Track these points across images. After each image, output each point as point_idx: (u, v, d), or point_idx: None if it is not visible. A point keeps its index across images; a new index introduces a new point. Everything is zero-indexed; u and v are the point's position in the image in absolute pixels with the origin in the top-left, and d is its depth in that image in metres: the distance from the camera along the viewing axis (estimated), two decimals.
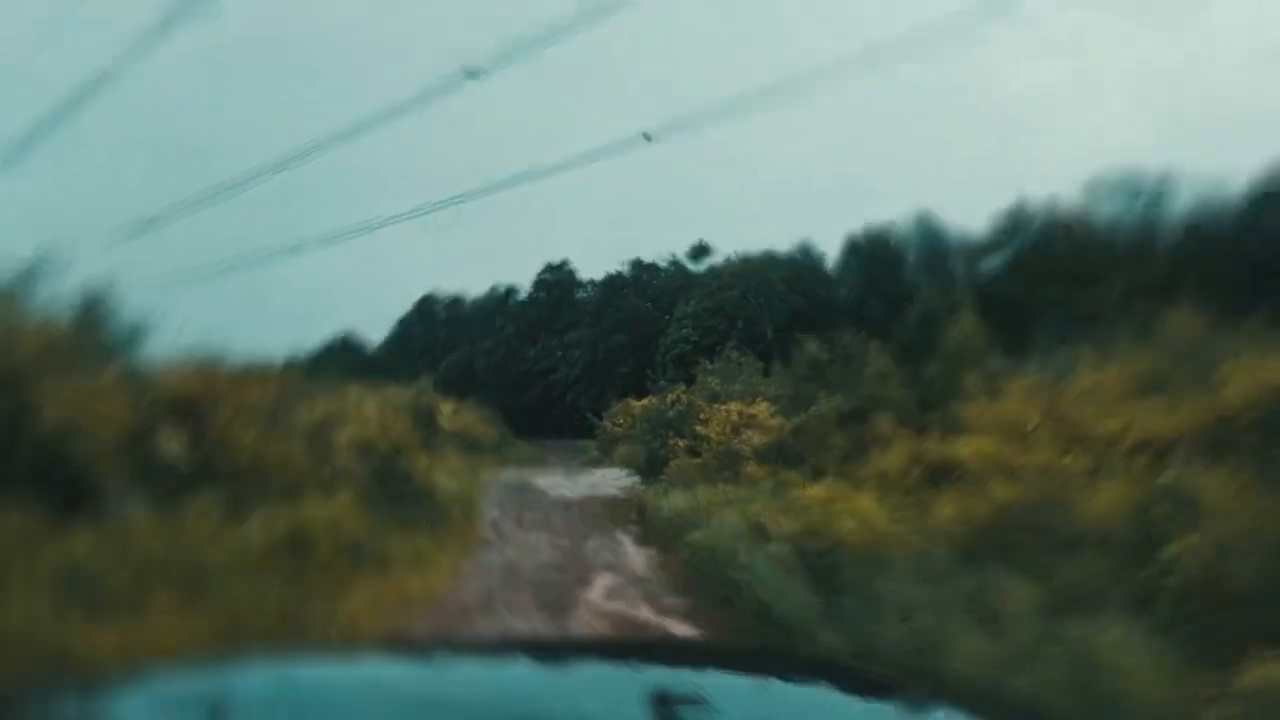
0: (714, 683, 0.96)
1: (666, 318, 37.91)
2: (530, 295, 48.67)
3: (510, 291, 52.18)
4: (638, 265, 42.39)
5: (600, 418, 25.88)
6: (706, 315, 32.25)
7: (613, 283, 42.95)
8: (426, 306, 66.28)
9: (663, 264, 42.42)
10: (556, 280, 48.31)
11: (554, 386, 41.84)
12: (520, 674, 1.15)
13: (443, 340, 57.43)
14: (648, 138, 11.82)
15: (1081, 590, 4.40)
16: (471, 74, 12.24)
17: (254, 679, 1.04)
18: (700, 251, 40.24)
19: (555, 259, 49.47)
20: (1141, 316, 7.33)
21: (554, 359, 42.83)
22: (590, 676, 1.11)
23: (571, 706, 0.92)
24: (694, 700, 0.82)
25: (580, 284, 48.25)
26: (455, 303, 63.71)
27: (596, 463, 22.60)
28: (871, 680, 1.24)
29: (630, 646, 1.98)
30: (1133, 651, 3.59)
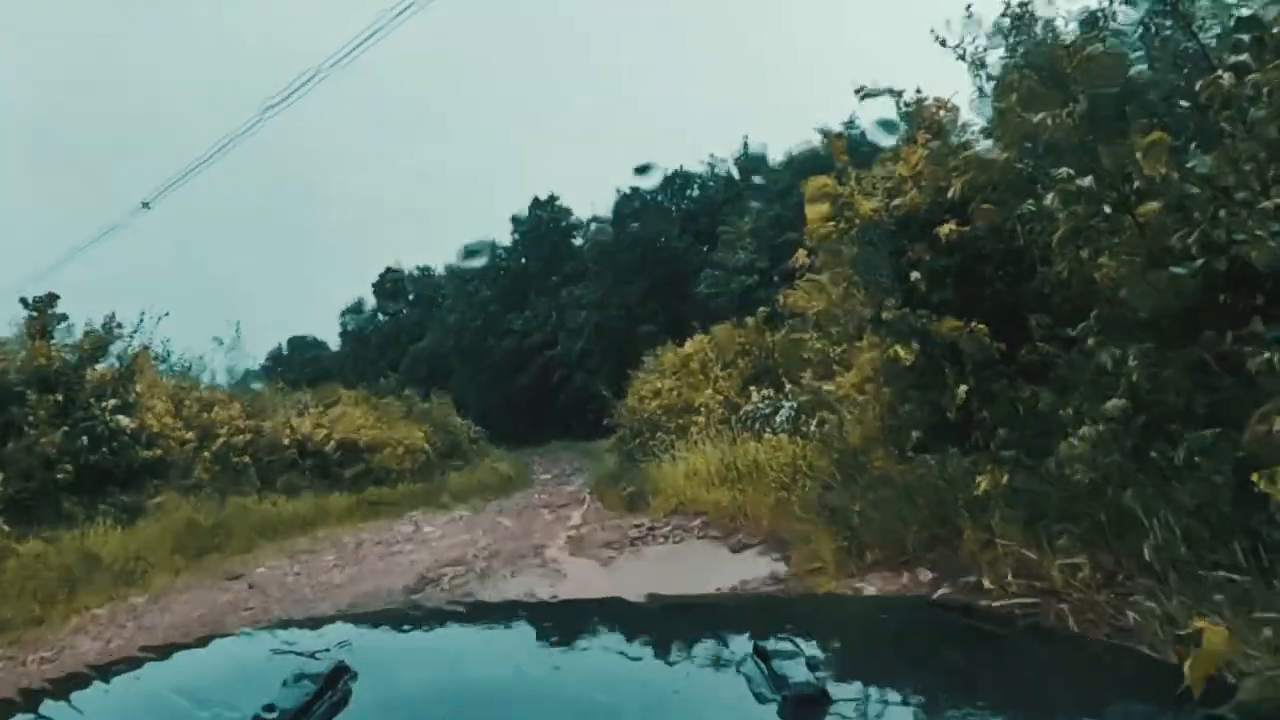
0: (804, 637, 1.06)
1: (705, 249, 30.21)
2: (512, 245, 41.05)
3: (492, 248, 44.90)
4: (658, 177, 34.29)
5: (619, 392, 18.21)
6: (771, 230, 24.41)
7: (623, 209, 34.78)
8: (390, 284, 59.76)
9: (698, 171, 34.29)
10: (546, 221, 40.66)
11: (553, 365, 34.20)
12: (621, 633, 1.31)
13: (410, 325, 50.69)
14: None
15: None
16: None
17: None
18: (749, 152, 32.31)
19: (541, 194, 41.92)
20: None
21: (550, 327, 35.11)
22: (688, 634, 1.26)
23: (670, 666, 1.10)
24: (790, 654, 0.94)
25: (578, 225, 40.60)
26: (424, 276, 56.93)
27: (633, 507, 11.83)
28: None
29: (725, 606, 2.14)
30: None
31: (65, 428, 11.36)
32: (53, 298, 12.57)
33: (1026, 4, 6.61)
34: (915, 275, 5.77)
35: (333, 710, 0.91)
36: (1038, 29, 6.50)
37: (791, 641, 0.99)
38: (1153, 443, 4.64)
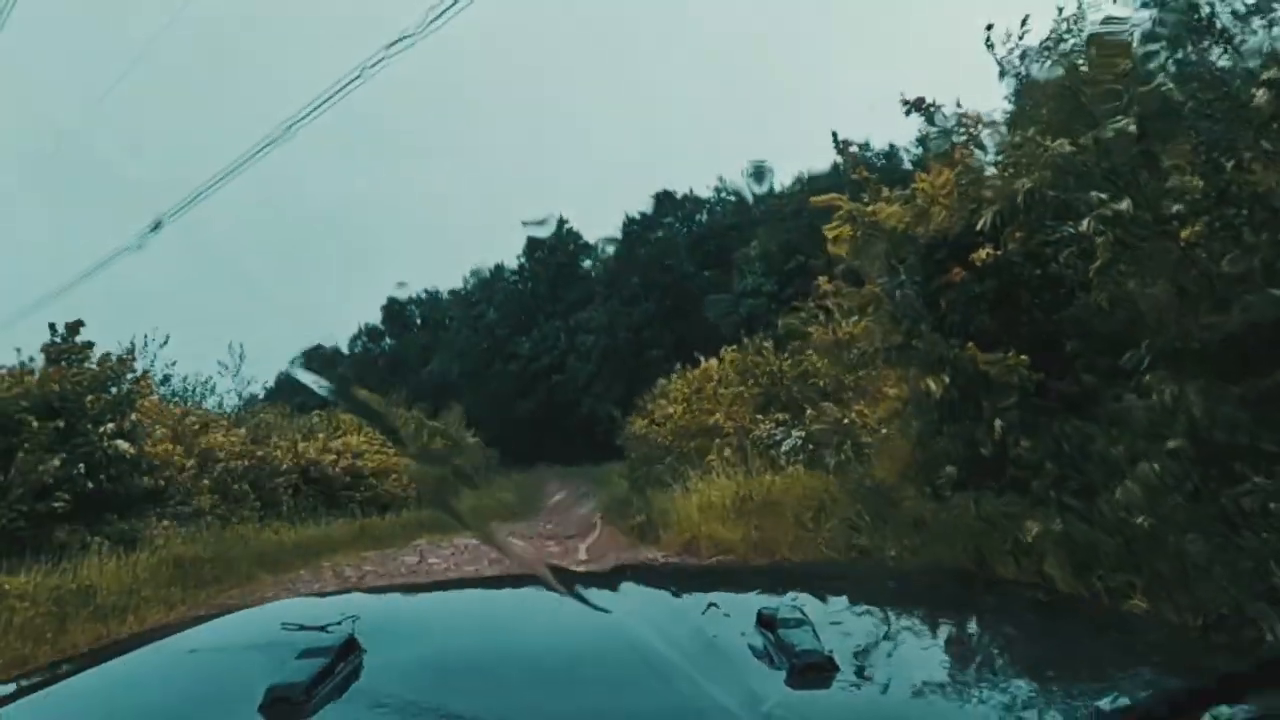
0: (811, 604, 1.07)
1: (707, 273, 29.88)
2: (519, 268, 40.82)
3: (498, 269, 44.71)
4: (667, 201, 33.81)
5: (627, 415, 17.75)
6: (781, 255, 24.12)
7: (633, 232, 34.49)
8: (396, 309, 59.75)
9: (707, 195, 33.99)
10: (553, 245, 40.45)
11: (560, 389, 33.80)
12: (621, 598, 1.32)
13: (418, 350, 50.52)
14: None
15: None
16: None
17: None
18: (759, 174, 32.13)
19: (550, 214, 41.83)
20: None
21: (558, 350, 34.74)
22: (697, 602, 1.24)
23: (683, 629, 1.06)
24: (797, 622, 0.94)
25: (586, 248, 40.34)
26: (431, 299, 56.88)
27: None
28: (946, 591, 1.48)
29: (731, 573, 2.29)
30: None
31: (63, 454, 11.04)
32: (78, 325, 12.34)
33: (1061, 27, 6.28)
34: (946, 301, 5.41)
35: (345, 683, 0.91)
36: (1059, 53, 6.17)
37: (798, 609, 0.98)
38: (1215, 485, 4.25)
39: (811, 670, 0.85)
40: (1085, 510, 4.62)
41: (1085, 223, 4.41)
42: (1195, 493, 4.24)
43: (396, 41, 12.53)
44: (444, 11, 11.84)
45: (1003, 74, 6.46)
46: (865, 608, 1.26)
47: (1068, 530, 4.30)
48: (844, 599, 1.29)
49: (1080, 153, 4.24)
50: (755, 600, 1.07)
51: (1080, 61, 5.49)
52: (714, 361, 15.44)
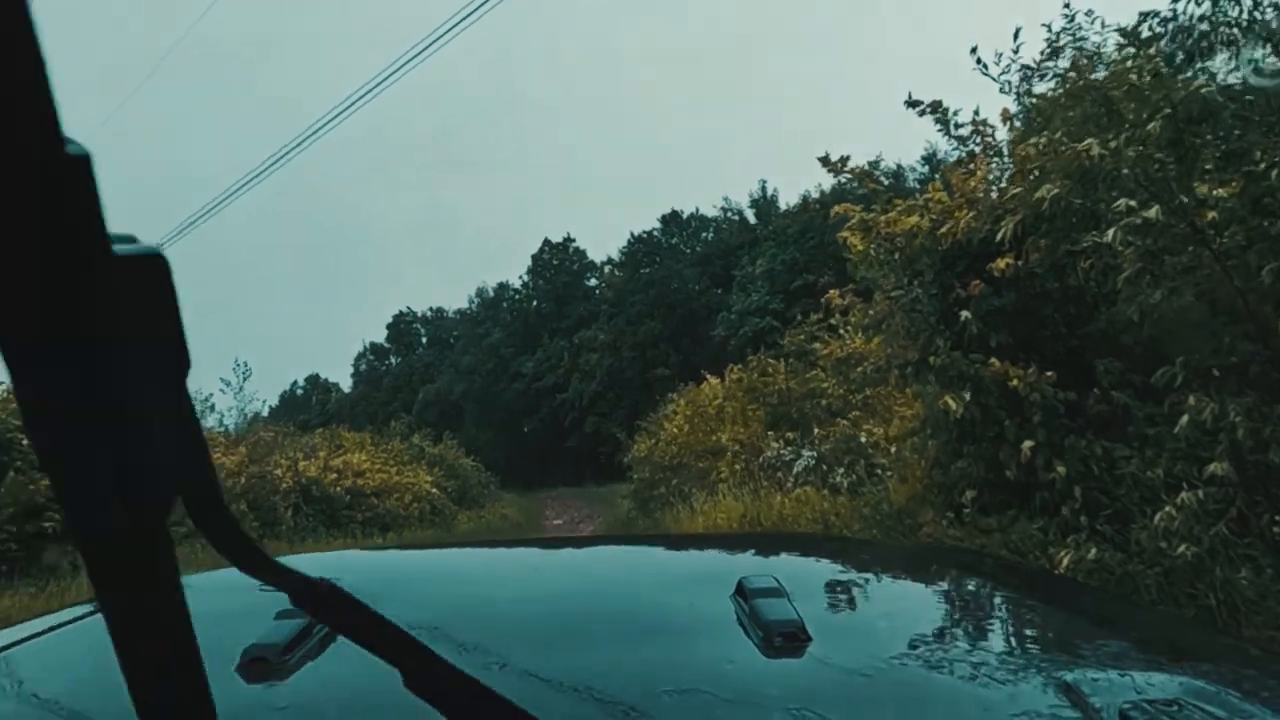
0: (791, 574, 1.08)
1: (718, 290, 29.58)
2: (523, 286, 40.58)
3: (502, 288, 44.55)
4: (673, 220, 33.54)
5: (632, 436, 17.44)
6: (786, 274, 23.90)
7: (638, 251, 34.21)
8: (402, 327, 59.65)
9: (713, 214, 33.75)
10: (559, 264, 40.27)
11: (565, 408, 33.46)
12: (600, 560, 1.39)
13: (422, 369, 50.34)
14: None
15: None
16: None
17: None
18: (763, 201, 31.82)
19: (556, 236, 41.59)
20: None
21: (562, 369, 34.44)
22: (678, 570, 1.32)
23: (657, 593, 1.10)
24: (773, 592, 0.95)
25: (591, 266, 40.09)
26: (437, 318, 56.76)
27: None
28: (916, 558, 1.56)
29: (716, 542, 2.23)
30: None
31: None
32: None
33: (1068, 29, 6.02)
34: (966, 314, 5.12)
35: (323, 644, 0.90)
36: (1080, 54, 5.90)
37: (774, 579, 0.98)
38: (1263, 512, 3.93)
39: (785, 639, 0.84)
40: (1120, 538, 4.31)
41: (1112, 232, 4.11)
42: (1241, 520, 3.93)
43: (401, 62, 12.40)
44: (448, 30, 11.71)
45: (1003, 89, 6.21)
46: (846, 578, 1.26)
47: (1102, 559, 3.97)
48: (826, 569, 1.31)
49: (1110, 156, 3.95)
50: (738, 569, 1.06)
51: (1100, 64, 5.25)
52: (717, 380, 15.17)
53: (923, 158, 22.86)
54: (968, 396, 4.97)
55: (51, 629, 1.12)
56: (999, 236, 4.88)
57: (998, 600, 1.18)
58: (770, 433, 12.04)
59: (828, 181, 26.62)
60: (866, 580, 1.25)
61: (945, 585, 1.26)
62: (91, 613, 1.13)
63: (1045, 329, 5.32)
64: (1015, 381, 4.59)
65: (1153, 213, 3.98)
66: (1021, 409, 4.86)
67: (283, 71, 73.46)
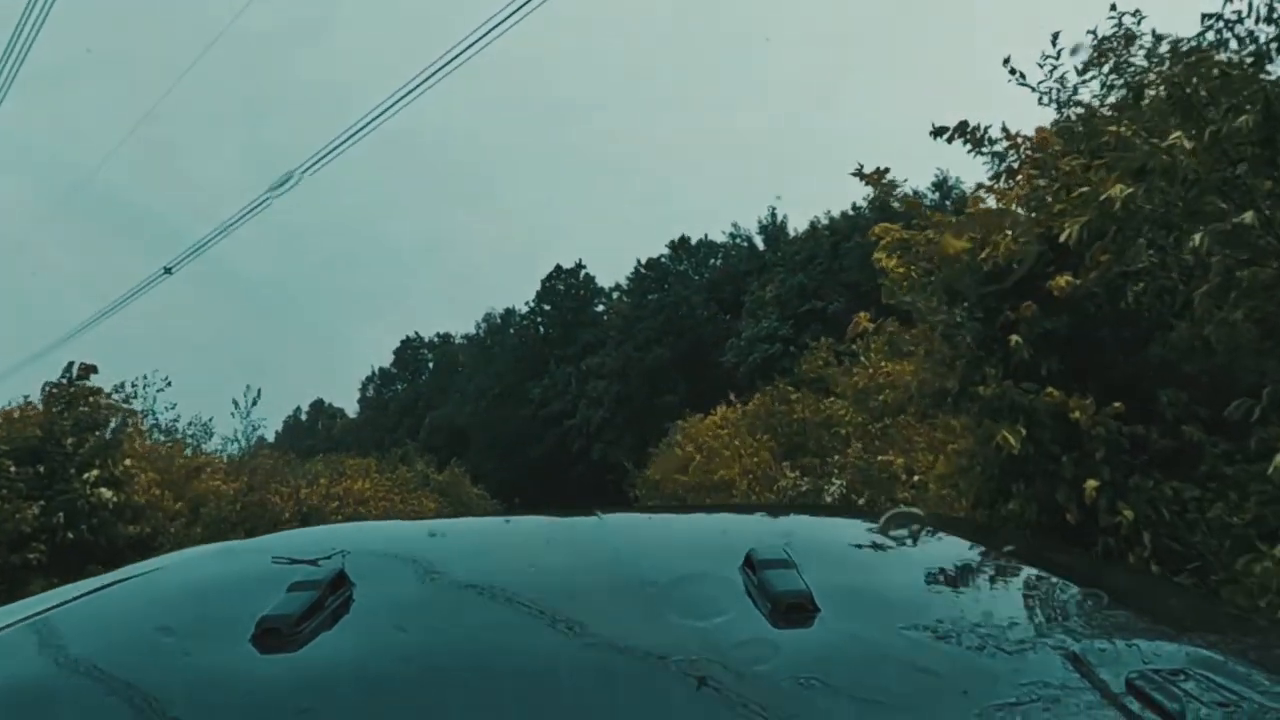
0: (802, 546, 1.06)
1: (726, 317, 29.16)
2: (532, 311, 40.21)
3: (509, 314, 44.25)
4: (682, 248, 33.15)
5: (641, 467, 16.94)
6: (795, 299, 23.48)
7: (647, 276, 33.83)
8: (409, 353, 59.36)
9: (722, 240, 33.43)
10: (566, 289, 39.95)
11: (572, 435, 32.90)
12: (615, 531, 1.33)
13: (429, 394, 49.97)
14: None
15: None
16: None
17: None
18: (772, 227, 31.49)
19: (565, 262, 41.31)
20: None
21: (569, 395, 33.93)
22: (687, 541, 1.29)
23: (665, 565, 1.08)
24: (781, 563, 0.94)
25: (599, 292, 39.77)
26: (443, 343, 56.46)
27: None
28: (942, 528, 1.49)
29: (723, 514, 2.20)
30: None
31: (42, 502, 10.33)
32: (89, 369, 11.76)
33: (1119, 29, 5.60)
34: (1016, 339, 4.64)
35: (335, 616, 0.90)
36: (1138, 52, 5.48)
37: (784, 550, 0.97)
38: None
39: (792, 610, 0.83)
40: (1197, 590, 3.80)
41: (1198, 237, 3.64)
42: None
43: (409, 87, 12.08)
44: (454, 59, 11.38)
45: (1041, 100, 5.80)
46: (855, 550, 1.26)
47: None
48: (835, 541, 1.29)
49: (1198, 152, 3.50)
50: (746, 541, 1.00)
51: (1166, 60, 4.82)
52: (727, 408, 14.73)
53: (933, 183, 22.55)
54: (1023, 430, 4.48)
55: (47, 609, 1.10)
56: (1063, 238, 4.38)
57: (1006, 572, 1.19)
58: (785, 463, 11.60)
59: (836, 208, 26.32)
60: (876, 551, 1.25)
61: (953, 557, 1.24)
62: (78, 596, 1.13)
63: (1101, 355, 4.85)
64: (1076, 414, 4.10)
65: (1248, 217, 3.52)
66: (1080, 444, 4.37)
67: (290, 92, 74.14)
